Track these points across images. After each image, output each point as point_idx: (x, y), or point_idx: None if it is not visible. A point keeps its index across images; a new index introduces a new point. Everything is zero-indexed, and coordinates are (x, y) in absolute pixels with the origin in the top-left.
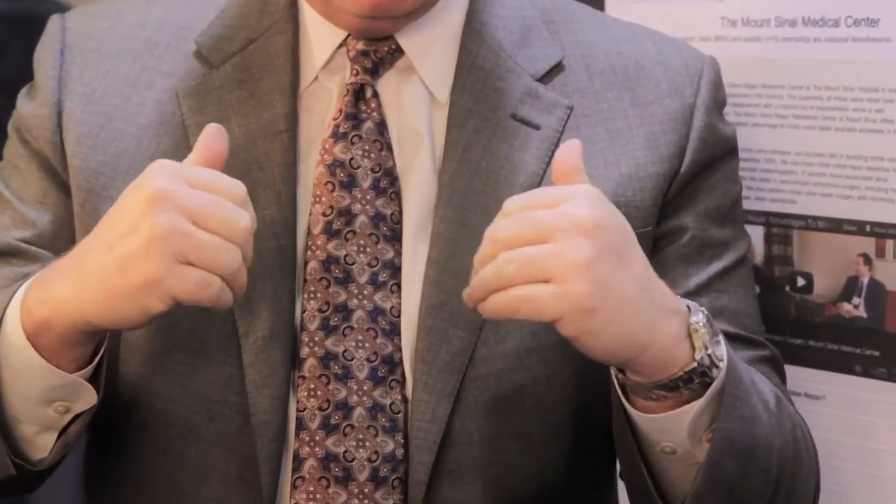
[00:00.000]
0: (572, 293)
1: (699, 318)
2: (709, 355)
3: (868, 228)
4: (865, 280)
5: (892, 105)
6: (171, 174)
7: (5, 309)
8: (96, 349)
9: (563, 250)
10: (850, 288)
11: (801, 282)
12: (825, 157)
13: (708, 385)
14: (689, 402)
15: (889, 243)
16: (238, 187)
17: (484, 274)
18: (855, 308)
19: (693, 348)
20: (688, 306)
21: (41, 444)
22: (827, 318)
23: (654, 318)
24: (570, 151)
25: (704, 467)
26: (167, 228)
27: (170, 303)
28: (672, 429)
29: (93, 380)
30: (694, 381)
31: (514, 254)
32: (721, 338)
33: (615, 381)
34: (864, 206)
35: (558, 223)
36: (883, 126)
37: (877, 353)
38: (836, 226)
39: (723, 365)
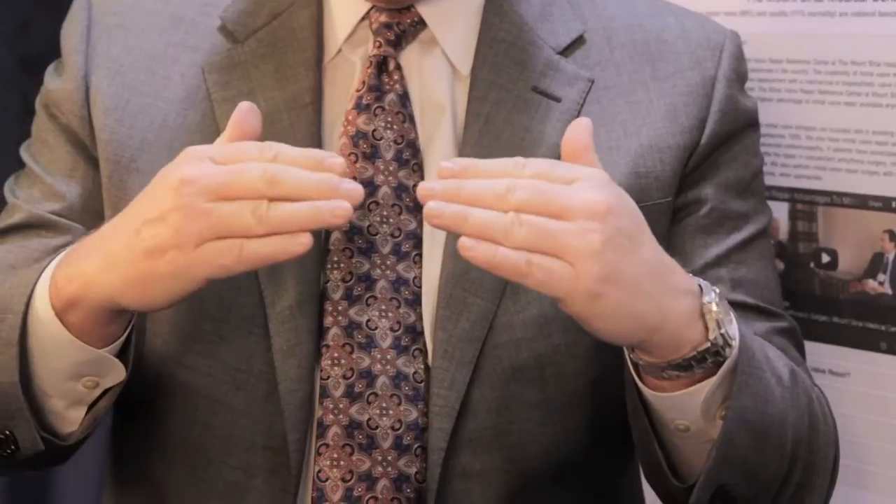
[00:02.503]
0: (584, 276)
1: (711, 297)
2: (722, 335)
3: (893, 205)
4: (891, 256)
5: None
6: (196, 158)
7: (34, 285)
8: (125, 325)
9: (577, 230)
10: (875, 264)
11: (825, 258)
12: (851, 132)
13: (721, 364)
14: (701, 380)
15: None
16: (266, 148)
17: (486, 218)
18: (880, 285)
19: (706, 328)
20: (700, 285)
21: (71, 418)
22: (851, 294)
23: (665, 301)
24: (579, 130)
25: (718, 445)
26: (188, 214)
27: (202, 283)
28: (685, 407)
29: (121, 355)
30: (707, 360)
31: (529, 219)
32: (733, 316)
33: (628, 360)
34: (889, 182)
35: (574, 203)
36: None
37: None
38: (861, 202)
39: (735, 343)
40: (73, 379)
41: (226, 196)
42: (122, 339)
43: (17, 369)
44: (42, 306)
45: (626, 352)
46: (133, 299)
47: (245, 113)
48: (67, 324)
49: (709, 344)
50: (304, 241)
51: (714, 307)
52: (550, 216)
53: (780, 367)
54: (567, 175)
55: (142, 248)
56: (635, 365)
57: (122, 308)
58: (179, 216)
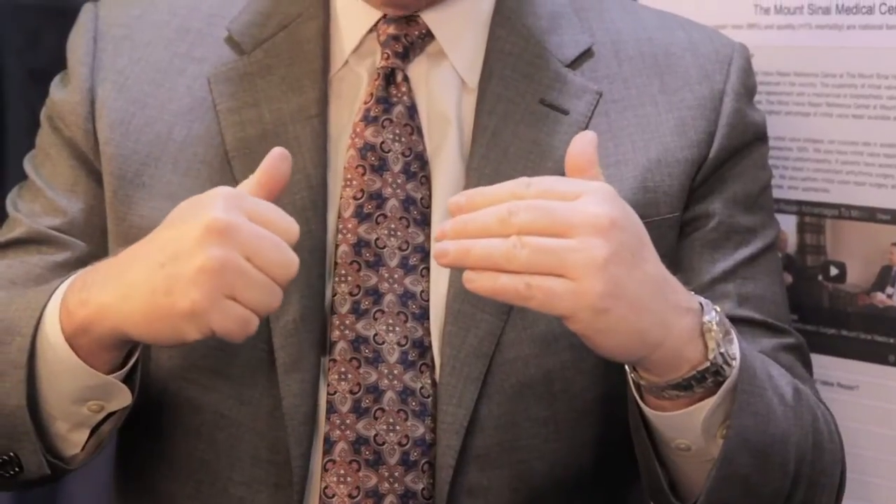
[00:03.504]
0: (588, 292)
1: (712, 316)
2: (721, 354)
3: None
4: None
5: None
6: (232, 205)
7: (44, 307)
8: (133, 352)
9: (579, 247)
10: (884, 277)
11: (833, 271)
12: (859, 145)
13: (721, 383)
14: (702, 399)
15: None
16: (294, 229)
17: (488, 247)
18: (888, 297)
19: (706, 347)
20: (700, 304)
21: (74, 441)
22: (860, 307)
23: (666, 318)
24: (584, 144)
25: (718, 464)
26: (221, 262)
27: (207, 333)
28: (686, 426)
29: (127, 380)
30: (707, 379)
31: (531, 241)
32: (734, 334)
33: (630, 379)
34: None
35: (577, 219)
36: None
37: None
38: (869, 215)
39: (736, 363)
40: (78, 402)
41: (256, 263)
42: (130, 364)
43: (25, 392)
44: (52, 330)
45: (627, 371)
46: (143, 333)
47: (276, 159)
48: (76, 348)
49: (708, 363)
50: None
51: (714, 326)
52: (554, 234)
53: (782, 385)
54: (571, 191)
55: (163, 283)
56: (637, 384)
57: (131, 339)
58: (208, 258)
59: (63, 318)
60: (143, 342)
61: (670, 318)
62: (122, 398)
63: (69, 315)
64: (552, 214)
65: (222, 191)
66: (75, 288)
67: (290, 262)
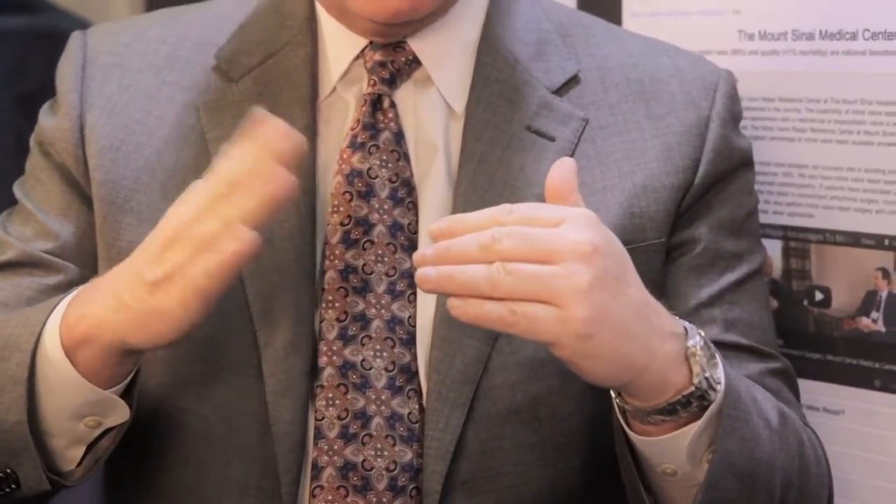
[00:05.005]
0: (573, 318)
1: (696, 340)
2: (706, 378)
3: (886, 242)
4: (884, 294)
5: None
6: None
7: (44, 323)
8: (131, 367)
9: (563, 274)
10: (869, 302)
11: (819, 296)
12: (843, 170)
13: (706, 407)
14: (687, 424)
15: None
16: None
17: (471, 274)
18: (873, 322)
19: (690, 372)
20: (685, 328)
21: (69, 457)
22: (845, 332)
23: (651, 342)
24: (563, 170)
25: (703, 489)
26: (175, 265)
27: (202, 308)
28: (671, 451)
29: (125, 395)
30: (692, 404)
31: (515, 267)
32: (719, 359)
33: (615, 404)
34: (882, 220)
35: (559, 246)
36: None
37: (895, 368)
38: (854, 240)
39: (720, 387)
40: (75, 418)
41: (202, 225)
42: (128, 380)
43: (25, 408)
44: (52, 345)
45: (612, 396)
46: (140, 337)
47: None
48: (76, 363)
49: (693, 388)
50: (245, 239)
51: (699, 350)
52: (536, 261)
53: (768, 409)
54: (553, 217)
55: (145, 283)
56: (622, 410)
57: (131, 347)
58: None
59: (63, 333)
60: (149, 346)
61: (655, 342)
62: (120, 413)
63: (69, 330)
64: (535, 241)
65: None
66: (73, 304)
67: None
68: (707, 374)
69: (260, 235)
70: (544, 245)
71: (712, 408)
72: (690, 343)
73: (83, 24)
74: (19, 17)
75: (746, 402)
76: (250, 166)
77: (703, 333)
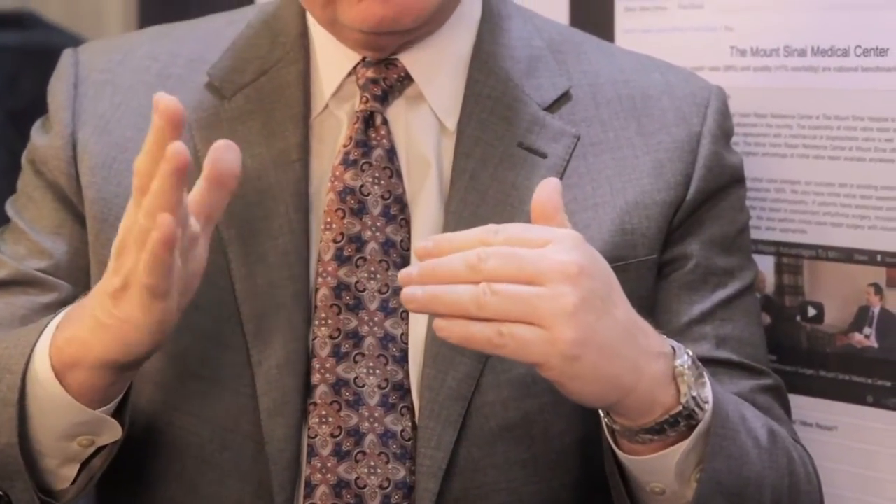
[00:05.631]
0: (559, 340)
1: (684, 360)
2: (694, 397)
3: (879, 258)
4: (876, 310)
5: None
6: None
7: (34, 345)
8: (123, 386)
9: (549, 295)
10: (861, 318)
11: (811, 312)
12: (835, 186)
13: (694, 427)
14: (675, 443)
15: None
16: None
17: (457, 294)
18: (866, 338)
19: (678, 391)
20: (672, 347)
21: (63, 476)
22: (838, 348)
23: (638, 363)
24: (549, 190)
25: None
26: (127, 271)
27: (170, 307)
28: (660, 470)
29: (118, 414)
30: (680, 423)
31: (501, 288)
32: (707, 378)
33: (604, 423)
34: (874, 236)
35: (545, 267)
36: (893, 155)
37: (888, 384)
38: (846, 255)
39: (708, 406)
40: (67, 438)
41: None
42: (119, 398)
43: (17, 430)
44: (42, 367)
45: (601, 416)
46: (119, 350)
47: (222, 150)
48: (66, 385)
49: (681, 407)
50: (160, 223)
51: (686, 370)
52: (523, 282)
53: (757, 427)
54: (539, 238)
55: (108, 295)
56: (610, 429)
57: (118, 364)
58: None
59: (52, 355)
60: (135, 360)
61: (642, 362)
62: (112, 432)
63: (58, 352)
64: (521, 261)
65: None
66: (62, 325)
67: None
68: (694, 394)
69: (173, 217)
70: (531, 266)
71: (700, 427)
72: (678, 363)
73: (75, 41)
74: (11, 33)
75: (735, 420)
76: (150, 155)
77: (690, 353)
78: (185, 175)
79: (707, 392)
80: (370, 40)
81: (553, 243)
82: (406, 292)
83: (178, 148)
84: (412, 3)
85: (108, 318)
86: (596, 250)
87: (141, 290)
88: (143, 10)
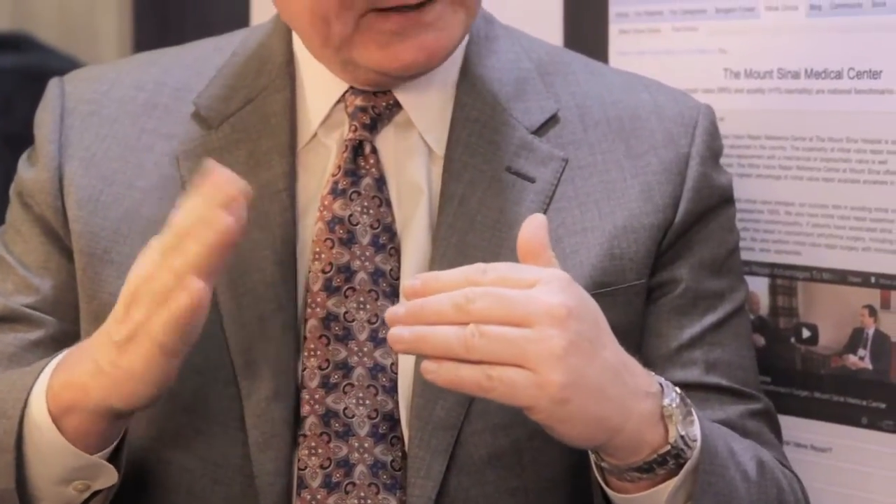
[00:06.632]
0: (548, 383)
1: (672, 398)
2: (682, 436)
3: (873, 280)
4: (870, 332)
5: None
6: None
7: (30, 389)
8: (119, 430)
9: (537, 338)
10: (856, 340)
11: (806, 333)
12: (829, 208)
13: (683, 464)
14: (664, 481)
15: (894, 295)
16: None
17: (445, 336)
18: (860, 360)
19: (666, 430)
20: (661, 385)
21: None
22: (832, 369)
23: (626, 403)
24: (534, 227)
25: None
26: (137, 324)
27: (172, 360)
28: None
29: (114, 457)
30: (668, 462)
31: (489, 330)
32: (695, 416)
33: (592, 461)
34: (868, 258)
35: (533, 308)
36: (886, 178)
37: (883, 406)
38: (840, 277)
39: (696, 444)
40: (63, 483)
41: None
42: (115, 443)
43: (14, 476)
44: (39, 412)
45: (590, 453)
46: (121, 399)
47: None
48: (63, 429)
49: (669, 446)
50: (193, 289)
51: (674, 409)
52: (511, 324)
53: (746, 461)
54: (527, 278)
55: (113, 344)
56: (599, 466)
57: (116, 411)
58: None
59: (49, 400)
60: (133, 408)
61: (630, 403)
62: (108, 477)
63: (55, 397)
64: (509, 303)
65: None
66: (59, 369)
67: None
68: (683, 433)
69: (208, 285)
70: (519, 308)
71: (688, 465)
72: (666, 402)
73: (71, 63)
74: (6, 55)
75: (723, 456)
76: (195, 216)
77: (678, 390)
78: (230, 250)
79: (695, 430)
80: (386, 81)
81: (541, 284)
82: (393, 333)
83: (231, 225)
84: (440, 42)
85: (109, 366)
86: (584, 289)
87: (152, 346)
88: (139, 32)
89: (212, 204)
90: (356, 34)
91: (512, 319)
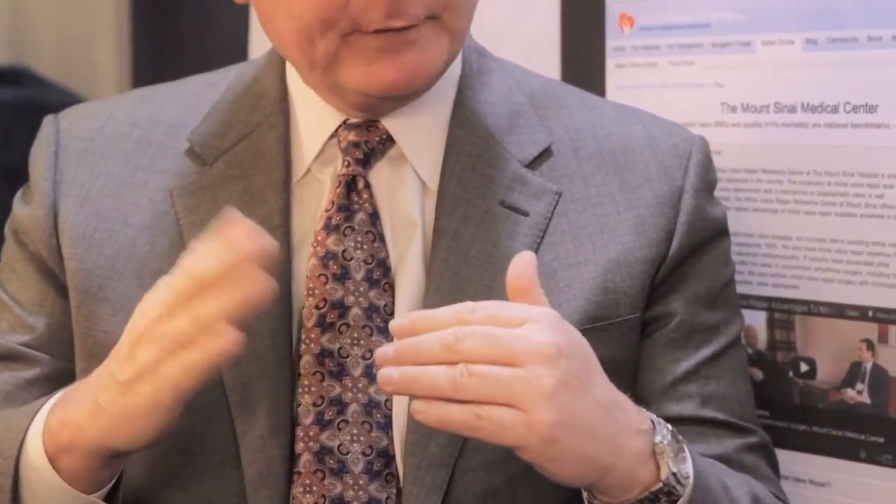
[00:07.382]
0: (538, 423)
1: (664, 435)
2: (674, 474)
3: (870, 314)
4: (868, 366)
5: (892, 190)
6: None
7: (27, 430)
8: (115, 470)
9: (527, 377)
10: (854, 374)
11: (804, 367)
12: (826, 242)
13: (675, 502)
14: None
15: (892, 329)
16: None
17: (434, 376)
18: (858, 394)
19: (658, 468)
20: (652, 422)
21: None
22: (830, 403)
23: (617, 441)
24: (523, 265)
25: None
26: (146, 364)
27: (175, 407)
28: None
29: (111, 495)
30: (660, 499)
31: (478, 370)
32: (687, 453)
33: (585, 499)
34: (865, 292)
35: (522, 347)
36: (883, 211)
37: (881, 440)
38: (838, 311)
39: (689, 482)
40: None
41: (173, 322)
42: (112, 483)
43: None
44: (35, 452)
45: (582, 491)
46: (121, 439)
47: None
48: (59, 469)
49: (661, 484)
50: (229, 338)
51: (666, 446)
52: (500, 363)
53: (740, 496)
54: (516, 317)
55: (116, 383)
56: None
57: (114, 451)
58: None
59: (46, 440)
60: (130, 448)
61: (621, 441)
62: None
63: (52, 437)
64: (498, 342)
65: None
66: (56, 409)
67: (204, 311)
68: (675, 470)
69: (241, 334)
70: (508, 347)
71: (681, 502)
72: (657, 439)
73: (69, 96)
74: (6, 89)
75: (717, 492)
76: (225, 267)
77: (669, 427)
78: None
79: (687, 467)
80: (373, 103)
81: (530, 322)
82: (382, 374)
83: (273, 287)
84: (423, 63)
85: (110, 405)
86: (576, 325)
87: (164, 387)
88: (137, 66)
89: (242, 259)
90: (342, 51)
91: (501, 358)
